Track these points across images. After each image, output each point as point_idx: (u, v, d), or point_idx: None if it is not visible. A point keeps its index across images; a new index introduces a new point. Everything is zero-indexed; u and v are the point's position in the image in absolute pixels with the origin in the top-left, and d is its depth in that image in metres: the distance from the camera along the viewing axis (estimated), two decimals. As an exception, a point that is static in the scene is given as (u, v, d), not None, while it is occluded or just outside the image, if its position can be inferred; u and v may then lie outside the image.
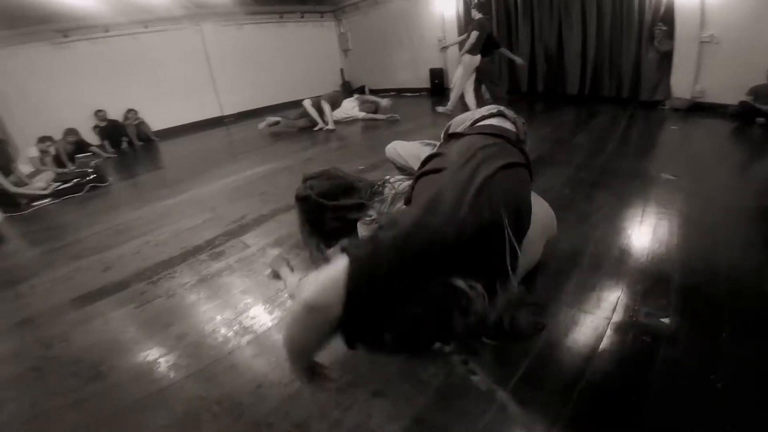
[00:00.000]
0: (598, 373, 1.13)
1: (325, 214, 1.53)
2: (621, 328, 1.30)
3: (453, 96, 5.28)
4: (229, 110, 7.55)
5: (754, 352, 1.16)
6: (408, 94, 7.86)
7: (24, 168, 4.38)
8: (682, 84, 5.01)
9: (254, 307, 1.64)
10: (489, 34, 5.08)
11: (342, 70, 9.17)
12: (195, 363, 1.37)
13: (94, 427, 1.16)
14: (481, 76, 5.28)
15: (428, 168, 1.03)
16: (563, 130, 4.23)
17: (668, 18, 4.89)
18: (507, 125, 1.23)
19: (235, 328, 1.53)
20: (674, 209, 2.10)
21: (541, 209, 1.39)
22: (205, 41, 7.07)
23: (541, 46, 6.18)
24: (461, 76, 5.10)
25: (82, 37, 5.94)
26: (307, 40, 8.22)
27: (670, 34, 4.91)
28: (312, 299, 0.79)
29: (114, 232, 2.72)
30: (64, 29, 5.71)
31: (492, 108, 1.32)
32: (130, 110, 6.29)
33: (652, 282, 1.51)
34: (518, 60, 5.55)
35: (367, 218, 1.44)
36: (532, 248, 1.26)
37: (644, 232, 1.91)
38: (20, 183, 3.80)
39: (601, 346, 1.23)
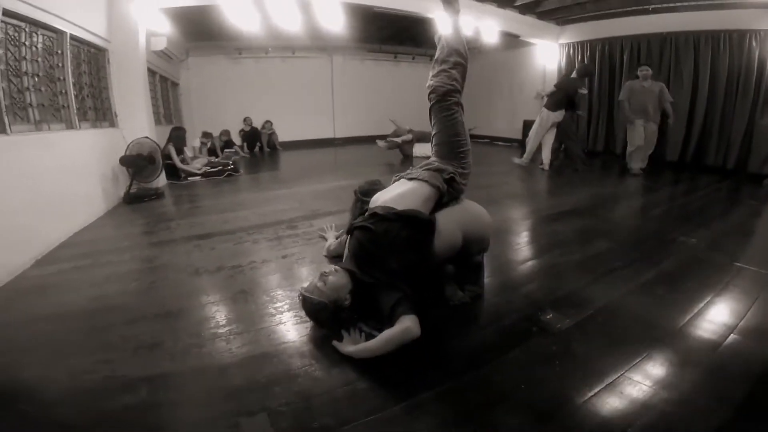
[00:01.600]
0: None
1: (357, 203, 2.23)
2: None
3: (528, 148, 5.48)
4: (340, 134, 8.93)
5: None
6: (500, 143, 8.28)
7: (188, 152, 6.04)
8: None
9: (303, 258, 2.40)
10: (571, 95, 5.13)
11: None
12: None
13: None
14: (560, 133, 5.34)
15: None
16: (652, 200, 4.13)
17: None
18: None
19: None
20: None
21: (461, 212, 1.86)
22: (333, 70, 8.60)
23: None
24: (536, 130, 5.33)
25: (250, 56, 7.81)
26: (416, 80, 9.20)
27: None
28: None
29: (234, 204, 3.84)
30: (239, 47, 7.57)
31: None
32: (267, 121, 7.95)
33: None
34: (580, 112, 5.57)
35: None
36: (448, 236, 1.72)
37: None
38: (184, 162, 5.28)
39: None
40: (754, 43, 4.88)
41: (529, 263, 2.38)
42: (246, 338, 1.56)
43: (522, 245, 2.76)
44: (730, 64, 5.09)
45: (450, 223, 1.73)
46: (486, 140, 8.56)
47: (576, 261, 2.35)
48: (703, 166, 5.44)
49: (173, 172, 4.94)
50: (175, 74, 6.91)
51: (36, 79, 2.89)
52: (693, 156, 5.58)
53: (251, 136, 7.81)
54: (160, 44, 5.12)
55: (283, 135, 8.16)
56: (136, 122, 4.18)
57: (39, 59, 2.94)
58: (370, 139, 7.72)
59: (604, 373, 1.32)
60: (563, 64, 6.98)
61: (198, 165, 5.40)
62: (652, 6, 5.41)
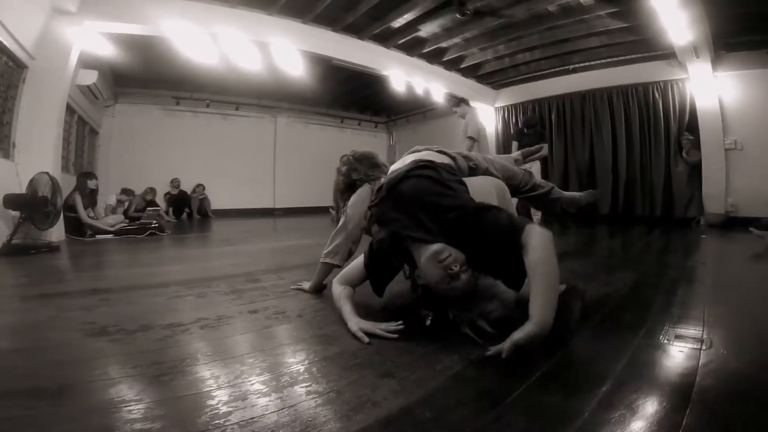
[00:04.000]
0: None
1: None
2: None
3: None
4: (280, 203, 8.22)
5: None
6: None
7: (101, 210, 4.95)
8: (714, 197, 4.97)
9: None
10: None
11: (388, 183, 10.04)
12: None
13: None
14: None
15: None
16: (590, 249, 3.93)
17: (693, 126, 5.10)
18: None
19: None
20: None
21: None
22: (277, 132, 8.20)
23: (574, 164, 6.30)
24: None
25: (187, 108, 7.12)
26: (360, 147, 9.26)
27: (697, 144, 5.06)
28: None
29: (163, 258, 2.96)
30: (178, 96, 6.90)
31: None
32: (199, 185, 7.12)
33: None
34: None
35: None
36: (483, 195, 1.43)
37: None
38: (95, 217, 4.25)
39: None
40: (657, 95, 5.50)
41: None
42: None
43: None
44: (641, 116, 5.67)
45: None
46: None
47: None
48: (634, 217, 5.66)
49: (76, 227, 3.91)
50: (96, 119, 6.02)
51: None
52: (623, 208, 5.82)
53: (179, 200, 6.86)
54: (89, 77, 4.40)
55: (217, 202, 7.31)
56: (39, 159, 3.28)
57: None
58: (312, 210, 7.24)
59: None
60: (500, 127, 7.47)
61: (111, 221, 4.39)
62: (572, 66, 6.10)
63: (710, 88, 4.93)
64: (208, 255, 3.22)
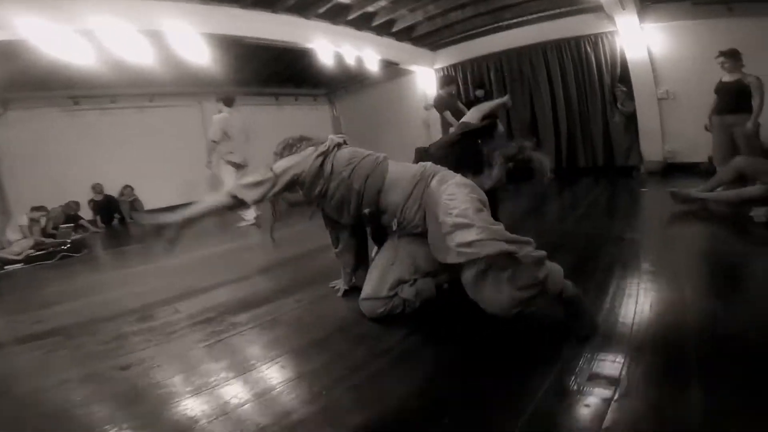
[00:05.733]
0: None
1: None
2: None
3: None
4: None
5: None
6: (395, 175, 8.14)
7: (12, 235, 4.42)
8: (652, 146, 5.13)
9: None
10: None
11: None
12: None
13: None
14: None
15: None
16: (535, 201, 4.23)
17: (626, 78, 5.17)
18: None
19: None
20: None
21: None
22: (205, 120, 7.46)
23: (517, 121, 6.28)
24: None
25: (91, 107, 6.27)
26: (301, 124, 8.72)
27: (630, 95, 5.14)
28: None
29: (57, 295, 2.64)
30: (75, 96, 6.05)
31: None
32: (126, 186, 6.50)
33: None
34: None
35: None
36: None
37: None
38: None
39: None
40: (588, 48, 5.50)
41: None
42: None
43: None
44: (575, 70, 5.67)
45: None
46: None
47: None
48: (578, 168, 5.83)
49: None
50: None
51: None
52: (567, 161, 5.96)
53: (106, 206, 6.27)
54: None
55: (150, 201, 6.72)
56: None
57: None
58: None
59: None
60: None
61: (16, 249, 3.94)
62: (505, 22, 5.88)
63: (638, 39, 4.95)
64: (115, 281, 2.90)
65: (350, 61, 5.80)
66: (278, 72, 7.18)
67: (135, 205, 6.53)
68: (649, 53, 4.94)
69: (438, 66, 7.06)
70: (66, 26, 3.31)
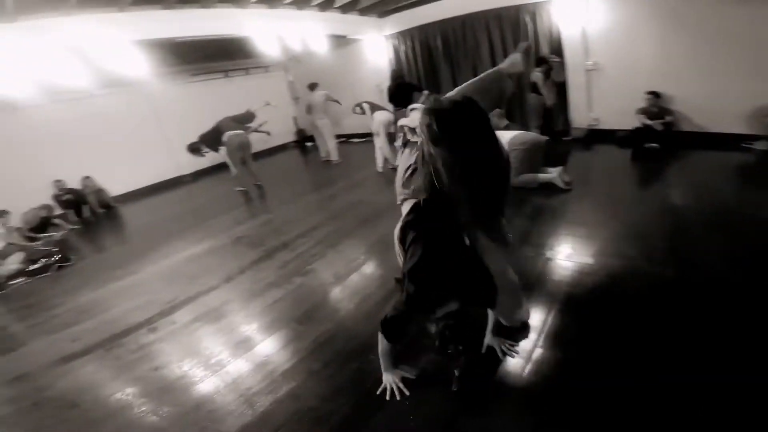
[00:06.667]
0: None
1: None
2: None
3: None
4: (187, 169, 7.70)
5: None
6: (356, 140, 8.44)
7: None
8: (579, 114, 5.70)
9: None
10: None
11: (295, 119, 9.67)
12: None
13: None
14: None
15: None
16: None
17: (559, 49, 5.56)
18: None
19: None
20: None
21: None
22: (154, 102, 7.31)
23: None
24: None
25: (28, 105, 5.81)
26: (255, 92, 8.04)
27: (563, 65, 5.56)
28: None
29: (80, 313, 3.13)
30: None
31: None
32: (86, 177, 6.53)
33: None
34: None
35: None
36: None
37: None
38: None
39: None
40: (527, 18, 5.70)
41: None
42: None
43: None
44: (514, 40, 5.86)
45: None
46: (342, 139, 8.61)
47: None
48: None
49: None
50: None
51: None
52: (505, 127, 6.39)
53: (74, 201, 6.43)
54: None
55: (116, 188, 6.89)
56: None
57: None
58: (225, 167, 7.06)
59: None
60: (392, 55, 7.36)
61: (14, 265, 4.28)
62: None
63: (573, 12, 5.21)
64: (113, 296, 3.28)
65: (294, 43, 5.82)
66: (225, 48, 6.97)
67: (101, 194, 6.68)
68: (582, 26, 5.22)
69: (387, 32, 7.09)
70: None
